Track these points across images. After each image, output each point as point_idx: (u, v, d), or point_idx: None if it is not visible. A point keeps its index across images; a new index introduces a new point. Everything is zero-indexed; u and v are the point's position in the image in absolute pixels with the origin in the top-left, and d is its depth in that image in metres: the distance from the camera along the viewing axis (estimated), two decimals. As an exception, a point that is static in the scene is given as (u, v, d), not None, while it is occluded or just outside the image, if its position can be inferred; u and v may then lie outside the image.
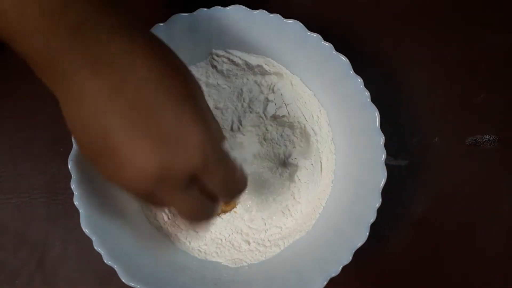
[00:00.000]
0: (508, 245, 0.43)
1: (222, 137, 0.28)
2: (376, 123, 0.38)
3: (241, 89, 0.42)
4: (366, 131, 0.39)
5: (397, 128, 0.44)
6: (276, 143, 0.42)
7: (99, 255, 0.36)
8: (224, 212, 0.41)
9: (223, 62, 0.41)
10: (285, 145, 0.42)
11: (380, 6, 0.46)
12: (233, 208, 0.41)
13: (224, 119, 0.42)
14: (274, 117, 0.42)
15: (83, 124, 0.25)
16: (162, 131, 0.25)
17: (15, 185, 0.43)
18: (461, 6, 0.46)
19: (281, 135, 0.42)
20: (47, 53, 0.24)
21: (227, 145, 0.29)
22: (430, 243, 0.44)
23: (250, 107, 0.42)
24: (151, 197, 0.27)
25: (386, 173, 0.37)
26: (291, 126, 0.42)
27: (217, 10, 0.39)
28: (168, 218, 0.40)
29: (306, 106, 0.42)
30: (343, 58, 0.38)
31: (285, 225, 0.41)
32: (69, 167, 0.36)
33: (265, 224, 0.41)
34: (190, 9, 0.39)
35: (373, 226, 0.37)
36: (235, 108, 0.42)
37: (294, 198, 0.41)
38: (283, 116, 0.41)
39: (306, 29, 0.38)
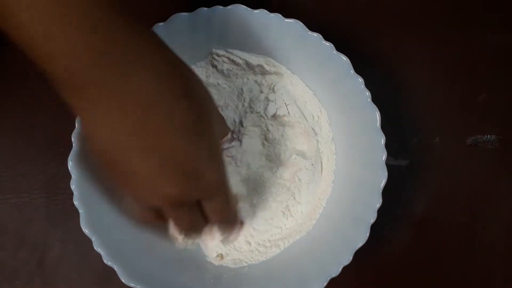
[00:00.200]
0: (508, 245, 0.43)
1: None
2: (376, 123, 0.38)
3: (242, 89, 0.42)
4: (366, 131, 0.38)
5: (397, 128, 0.44)
6: (277, 143, 0.42)
7: (99, 255, 0.36)
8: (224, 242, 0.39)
9: (223, 61, 0.41)
10: (286, 145, 0.42)
11: (380, 6, 0.46)
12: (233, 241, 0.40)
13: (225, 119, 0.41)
14: (275, 117, 0.41)
15: (104, 150, 0.27)
16: (186, 165, 0.28)
17: (15, 185, 0.43)
18: (461, 6, 0.46)
19: (282, 135, 0.42)
20: (73, 75, 0.24)
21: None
22: (430, 243, 0.44)
23: (250, 107, 0.42)
24: (155, 208, 0.30)
25: (386, 174, 0.37)
26: (291, 126, 0.42)
27: (217, 9, 0.38)
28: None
29: (306, 106, 0.42)
30: (344, 57, 0.38)
31: (285, 225, 0.41)
32: (69, 167, 0.36)
33: (267, 225, 0.41)
34: (190, 8, 0.38)
35: (373, 227, 0.37)
36: (236, 107, 0.42)
37: (294, 198, 0.41)
38: (284, 115, 0.41)
39: (307, 29, 0.38)
